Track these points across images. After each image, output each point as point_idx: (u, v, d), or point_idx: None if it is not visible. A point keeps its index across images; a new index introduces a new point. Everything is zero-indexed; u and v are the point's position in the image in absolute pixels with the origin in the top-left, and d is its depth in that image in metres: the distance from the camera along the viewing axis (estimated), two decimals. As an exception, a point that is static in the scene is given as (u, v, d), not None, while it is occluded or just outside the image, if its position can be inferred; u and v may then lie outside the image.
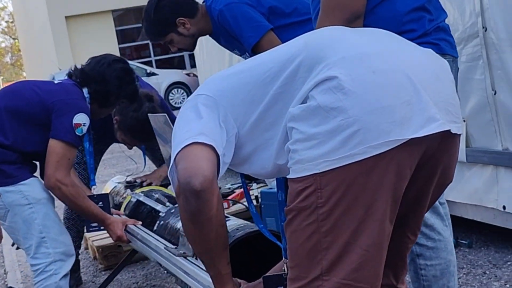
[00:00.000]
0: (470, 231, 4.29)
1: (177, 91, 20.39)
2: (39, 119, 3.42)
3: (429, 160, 1.91)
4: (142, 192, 3.94)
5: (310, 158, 1.81)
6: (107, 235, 4.94)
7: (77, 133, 3.42)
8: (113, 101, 3.71)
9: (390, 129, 1.77)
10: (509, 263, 3.80)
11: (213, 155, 1.94)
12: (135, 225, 3.65)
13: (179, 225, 3.03)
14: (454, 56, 2.54)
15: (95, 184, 4.01)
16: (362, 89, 1.79)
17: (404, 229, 2.06)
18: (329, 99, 1.80)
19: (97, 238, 5.00)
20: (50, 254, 3.43)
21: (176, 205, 3.44)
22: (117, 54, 4.84)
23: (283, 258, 2.23)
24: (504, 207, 3.75)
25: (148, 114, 2.83)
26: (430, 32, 2.45)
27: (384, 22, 2.31)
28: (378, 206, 1.81)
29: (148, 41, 24.24)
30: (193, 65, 22.62)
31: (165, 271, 4.68)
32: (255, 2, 3.61)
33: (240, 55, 3.84)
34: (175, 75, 21.08)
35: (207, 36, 3.84)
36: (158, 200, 3.71)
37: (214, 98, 2.01)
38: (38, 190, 3.44)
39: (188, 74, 20.90)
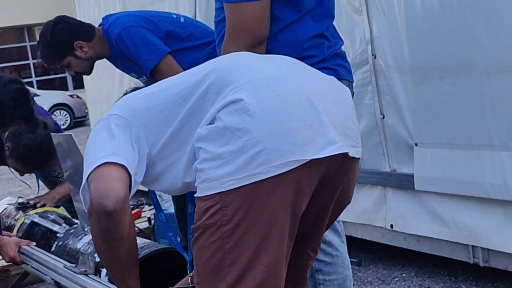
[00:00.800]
0: (360, 250, 4.47)
1: (60, 112, 19.95)
2: None
3: (329, 181, 2.01)
4: (36, 213, 3.88)
5: (216, 177, 1.87)
6: (-4, 260, 4.89)
7: None
8: (8, 121, 3.64)
9: (291, 150, 1.86)
10: (396, 279, 3.99)
11: (125, 175, 1.98)
12: (29, 246, 3.59)
13: (79, 245, 3.02)
14: (350, 81, 2.69)
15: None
16: (267, 111, 1.87)
17: (304, 246, 2.15)
18: (235, 120, 1.87)
19: (-15, 263, 4.85)
20: None
21: (75, 225, 3.43)
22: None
23: (188, 271, 2.29)
24: (391, 226, 3.95)
25: (51, 134, 2.83)
26: (329, 58, 2.58)
27: (286, 48, 2.42)
28: (279, 224, 1.89)
29: (29, 61, 23.62)
30: (76, 87, 22.28)
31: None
32: (153, 26, 3.66)
33: (138, 78, 3.87)
34: (58, 96, 20.61)
35: None
36: (54, 221, 3.66)
37: (126, 119, 2.06)
38: None
39: (71, 96, 20.51)
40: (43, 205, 4.07)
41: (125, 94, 2.30)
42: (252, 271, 1.87)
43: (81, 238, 3.07)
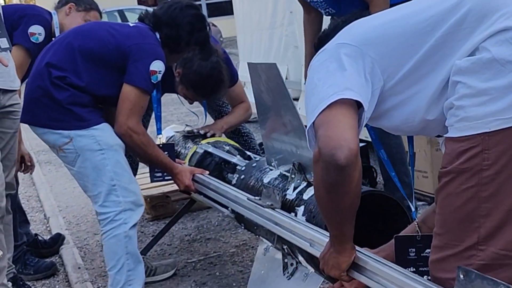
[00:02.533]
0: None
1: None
2: (114, 62, 3.26)
3: None
4: (208, 143, 3.79)
5: (479, 116, 1.67)
6: (155, 184, 4.90)
7: (152, 80, 3.27)
8: (183, 47, 3.54)
9: None
10: None
11: (355, 117, 1.81)
12: (202, 175, 3.52)
13: (265, 180, 2.89)
14: None
15: (161, 134, 3.87)
16: None
17: None
18: (506, 51, 1.66)
19: (145, 187, 4.88)
20: (120, 203, 3.29)
21: (256, 159, 3.31)
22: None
23: (414, 220, 2.11)
24: None
25: (249, 63, 2.67)
26: None
27: None
28: None
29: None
30: (210, 15, 22.25)
31: (216, 224, 4.59)
32: None
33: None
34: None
35: None
36: (229, 152, 3.56)
37: (359, 48, 1.87)
38: (110, 136, 3.29)
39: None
40: (213, 135, 3.98)
41: None
42: (510, 224, 1.67)
43: (266, 173, 2.94)
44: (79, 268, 4.05)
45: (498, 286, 1.45)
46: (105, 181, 3.27)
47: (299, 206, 2.53)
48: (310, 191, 2.55)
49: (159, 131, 3.84)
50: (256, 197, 2.90)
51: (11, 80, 3.54)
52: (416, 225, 2.10)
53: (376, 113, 1.92)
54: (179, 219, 4.26)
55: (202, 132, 3.96)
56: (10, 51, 3.53)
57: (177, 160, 3.76)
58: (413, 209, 2.13)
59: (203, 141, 3.82)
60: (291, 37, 6.94)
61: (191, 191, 3.58)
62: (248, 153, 3.67)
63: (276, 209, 2.71)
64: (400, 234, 2.13)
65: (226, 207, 3.24)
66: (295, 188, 2.62)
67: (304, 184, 2.62)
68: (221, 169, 3.57)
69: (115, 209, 3.28)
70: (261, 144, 6.03)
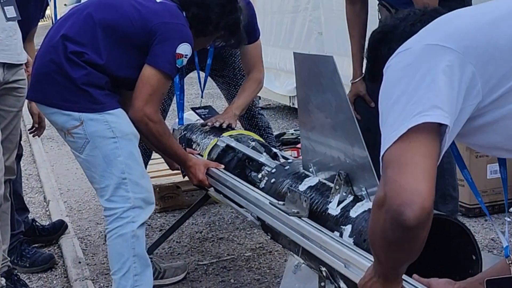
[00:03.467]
0: None
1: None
2: (138, 41, 2.89)
3: None
4: (230, 135, 3.41)
5: None
6: (165, 173, 4.55)
7: (177, 65, 2.91)
8: (211, 30, 3.17)
9: None
10: None
11: (437, 150, 1.49)
12: (218, 169, 3.17)
13: (300, 188, 2.52)
14: None
15: (182, 124, 3.51)
16: None
17: None
18: None
19: (154, 175, 4.53)
20: (129, 199, 2.92)
21: (289, 161, 2.94)
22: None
23: (506, 258, 1.76)
24: None
25: (295, 53, 2.28)
26: None
27: None
28: None
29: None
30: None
31: (230, 222, 4.24)
32: None
33: None
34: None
35: None
36: (254, 149, 3.19)
37: (458, 53, 1.51)
38: (126, 124, 2.92)
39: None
40: (229, 126, 3.58)
41: None
42: None
43: (302, 179, 2.57)
44: (80, 262, 3.70)
45: None
46: (115, 173, 2.90)
47: (345, 225, 2.17)
48: (359, 208, 2.19)
49: (181, 121, 3.50)
50: (280, 202, 2.55)
51: (18, 53, 3.19)
52: (509, 265, 1.74)
53: (465, 129, 1.56)
54: (191, 216, 3.90)
55: (217, 124, 3.56)
56: (18, 20, 3.18)
57: (189, 150, 3.41)
58: (505, 244, 1.77)
59: (225, 134, 3.44)
60: (316, 23, 6.57)
61: (205, 186, 3.24)
62: (275, 150, 3.30)
63: (303, 218, 2.37)
64: (488, 274, 1.78)
65: (249, 211, 2.89)
66: (339, 202, 2.25)
67: (350, 198, 2.26)
68: (244, 166, 3.21)
69: (123, 206, 2.92)
70: (278, 136, 5.70)
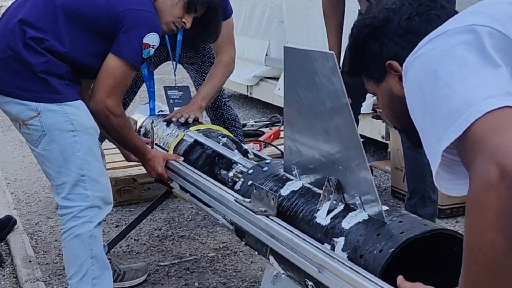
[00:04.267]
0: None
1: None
2: (102, 28, 2.65)
3: None
4: (198, 130, 3.17)
5: None
6: (121, 164, 4.29)
7: (143, 55, 2.68)
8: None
9: None
10: None
11: None
12: (177, 162, 2.95)
13: (282, 192, 2.31)
14: None
15: (154, 114, 3.27)
16: None
17: None
18: None
19: (110, 167, 4.26)
20: (88, 197, 2.69)
21: (266, 161, 2.72)
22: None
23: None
24: None
25: (286, 47, 2.06)
26: None
27: None
28: None
29: None
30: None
31: (190, 219, 4.02)
32: None
33: None
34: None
35: None
36: (225, 145, 2.96)
37: (509, 37, 1.35)
38: (86, 117, 2.68)
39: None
40: (196, 119, 3.34)
41: None
42: None
43: (284, 183, 2.36)
44: (30, 261, 3.43)
45: None
46: (73, 169, 2.66)
47: (337, 237, 1.96)
48: (352, 219, 1.98)
49: (152, 111, 3.27)
50: (246, 199, 2.34)
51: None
52: None
53: None
54: (150, 212, 3.66)
55: (182, 120, 3.31)
56: None
57: (145, 139, 3.18)
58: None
59: (192, 128, 3.20)
60: (277, 11, 6.37)
61: (164, 180, 3.02)
62: (245, 146, 3.08)
63: (271, 217, 2.17)
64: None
65: (220, 213, 2.67)
66: (329, 211, 2.05)
67: (341, 206, 2.06)
68: (214, 163, 2.98)
69: (81, 204, 2.69)
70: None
